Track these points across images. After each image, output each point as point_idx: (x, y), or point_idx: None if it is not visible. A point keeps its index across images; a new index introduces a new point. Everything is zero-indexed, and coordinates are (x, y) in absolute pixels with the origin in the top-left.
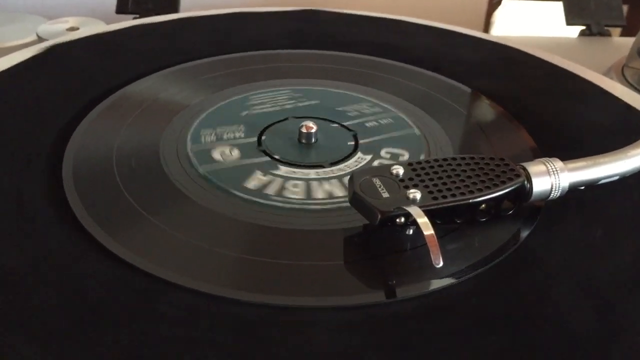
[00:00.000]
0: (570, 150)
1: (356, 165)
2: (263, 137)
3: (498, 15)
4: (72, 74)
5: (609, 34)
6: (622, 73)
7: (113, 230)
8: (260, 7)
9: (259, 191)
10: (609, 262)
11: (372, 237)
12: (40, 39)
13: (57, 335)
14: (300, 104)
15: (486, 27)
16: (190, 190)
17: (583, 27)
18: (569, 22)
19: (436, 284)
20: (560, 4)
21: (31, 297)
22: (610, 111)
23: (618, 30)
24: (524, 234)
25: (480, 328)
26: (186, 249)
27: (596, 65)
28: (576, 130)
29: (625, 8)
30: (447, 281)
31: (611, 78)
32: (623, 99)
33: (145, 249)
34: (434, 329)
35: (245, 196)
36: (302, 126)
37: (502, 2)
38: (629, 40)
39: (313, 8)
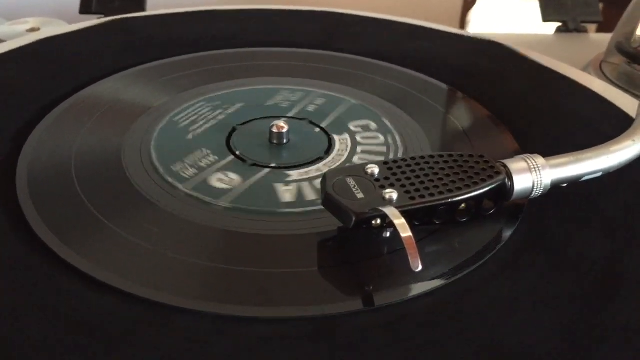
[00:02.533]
0: (551, 147)
1: (330, 166)
2: (231, 138)
3: (473, 13)
4: (29, 77)
5: (585, 30)
6: (600, 69)
7: (71, 240)
8: (223, 6)
9: (228, 196)
10: (594, 261)
11: (346, 241)
12: None
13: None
14: (268, 105)
15: (462, 26)
16: (154, 195)
17: (559, 24)
18: (546, 18)
19: (415, 289)
20: (535, 2)
21: None
22: (590, 107)
23: (594, 26)
24: (507, 234)
25: (463, 335)
26: (150, 258)
27: (573, 61)
28: (556, 127)
29: (599, 5)
30: (426, 286)
31: (589, 73)
32: (602, 94)
33: (106, 258)
34: (412, 337)
35: (214, 201)
36: (272, 126)
37: (477, 1)
38: (606, 36)
39: (275, 7)
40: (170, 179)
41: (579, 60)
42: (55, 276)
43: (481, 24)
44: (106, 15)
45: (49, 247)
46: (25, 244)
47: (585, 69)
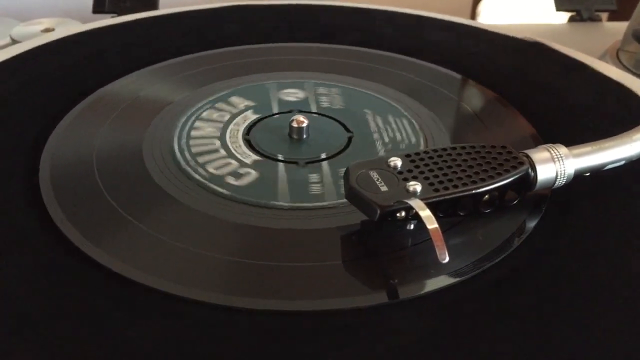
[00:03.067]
0: (571, 135)
1: (351, 161)
2: (251, 134)
3: (484, 4)
4: (48, 76)
5: (599, 19)
6: (617, 57)
7: (95, 237)
8: (235, 2)
9: (248, 190)
10: (620, 251)
11: (371, 235)
12: (14, 42)
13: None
14: (290, 99)
15: (472, 17)
16: (175, 190)
17: (573, 13)
18: (559, 7)
19: (439, 282)
20: None
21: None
22: (608, 95)
23: (606, 14)
24: (531, 224)
25: (489, 326)
26: (174, 253)
27: (588, 50)
28: (576, 116)
29: None
30: (451, 278)
31: (606, 62)
32: (621, 82)
33: (129, 255)
34: (439, 329)
35: (237, 195)
36: (292, 121)
37: None
38: (620, 25)
39: (287, 2)
40: (191, 174)
41: (593, 50)
42: (77, 270)
43: (492, 15)
44: (119, 15)
45: (70, 241)
46: (48, 237)
47: (602, 57)
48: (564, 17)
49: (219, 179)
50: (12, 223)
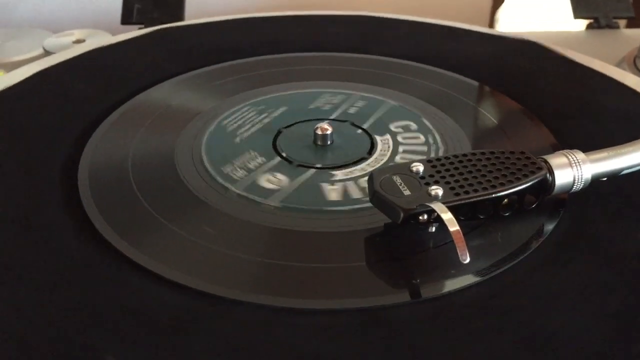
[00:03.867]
0: (589, 142)
1: (373, 166)
2: (277, 140)
3: (502, 11)
4: (81, 86)
5: (617, 26)
6: (634, 64)
7: (130, 237)
8: (262, 13)
9: (276, 194)
10: (638, 255)
11: (393, 237)
12: (46, 53)
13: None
14: (312, 108)
15: (491, 24)
16: (206, 195)
17: (590, 20)
18: (577, 15)
19: (460, 282)
20: None
21: (56, 308)
22: (625, 102)
23: (624, 21)
24: (549, 227)
25: (507, 326)
26: (209, 255)
27: (606, 57)
28: (593, 122)
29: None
30: (471, 279)
31: (624, 69)
32: (637, 89)
33: (166, 256)
34: (460, 328)
35: (264, 201)
36: (317, 128)
37: None
38: (638, 32)
39: (315, 12)
40: (221, 180)
41: (611, 56)
42: (116, 271)
43: (510, 22)
44: (146, 26)
45: (110, 243)
46: (88, 240)
47: (619, 64)
48: (582, 24)
49: (246, 184)
50: (52, 225)
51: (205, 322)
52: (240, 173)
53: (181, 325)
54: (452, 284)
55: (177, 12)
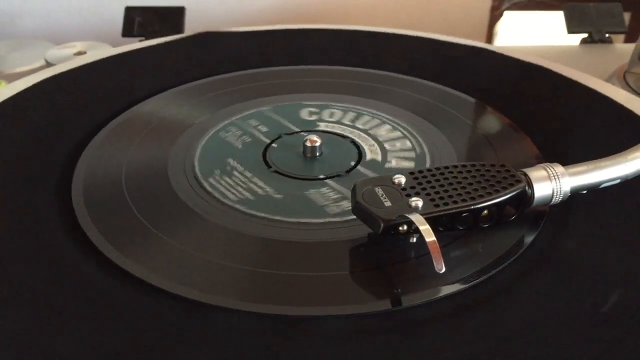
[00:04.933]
0: (574, 156)
1: (360, 177)
2: (267, 152)
3: (500, 26)
4: (80, 98)
5: (610, 41)
6: (624, 79)
7: (122, 246)
8: (258, 27)
9: (266, 206)
10: (616, 265)
11: (376, 247)
12: (48, 64)
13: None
14: (303, 120)
15: (489, 38)
16: (197, 206)
17: (585, 35)
18: (570, 30)
19: (439, 292)
20: (561, 13)
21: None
22: (612, 117)
23: (621, 37)
24: (529, 239)
25: (485, 335)
26: (197, 264)
27: (599, 72)
28: (579, 137)
29: (627, 15)
30: (452, 288)
31: (613, 84)
32: (625, 104)
33: (153, 263)
34: (437, 336)
35: (251, 211)
36: (306, 140)
37: (504, 13)
38: (631, 47)
39: (310, 26)
40: (211, 191)
41: (604, 71)
42: (107, 279)
43: (508, 36)
44: (147, 38)
45: (101, 252)
46: (80, 249)
47: (609, 79)
48: (577, 38)
49: (237, 195)
50: (45, 235)
51: (195, 330)
52: (231, 183)
53: (171, 332)
54: (430, 294)
55: (178, 25)
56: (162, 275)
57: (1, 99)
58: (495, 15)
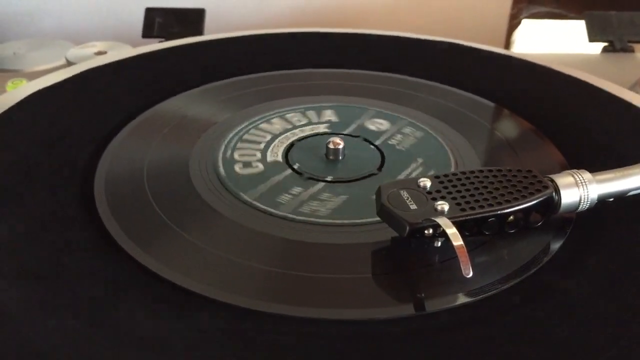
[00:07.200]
0: (598, 163)
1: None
2: (289, 153)
3: (518, 34)
4: (101, 96)
5: (632, 50)
6: None
7: (144, 243)
8: (278, 29)
9: (288, 206)
10: None
11: (401, 251)
12: (69, 63)
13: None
14: (325, 123)
15: (507, 46)
16: (219, 204)
17: (606, 44)
18: (592, 39)
19: (464, 297)
20: (580, 21)
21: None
22: (636, 125)
23: None
24: (555, 246)
25: (511, 341)
26: (218, 263)
27: (621, 80)
28: (603, 144)
29: None
30: (478, 294)
31: (636, 92)
32: None
33: (178, 263)
34: (463, 342)
35: (274, 211)
36: (329, 142)
37: (522, 21)
38: None
39: (328, 30)
40: (234, 189)
41: (626, 79)
42: (128, 275)
43: (525, 44)
44: (166, 39)
45: (122, 248)
46: (101, 245)
47: (632, 87)
48: (598, 46)
49: (258, 195)
50: (67, 231)
51: (218, 330)
52: (252, 183)
53: (192, 329)
54: (454, 299)
55: (197, 26)
56: (180, 272)
57: (23, 96)
58: (513, 24)
